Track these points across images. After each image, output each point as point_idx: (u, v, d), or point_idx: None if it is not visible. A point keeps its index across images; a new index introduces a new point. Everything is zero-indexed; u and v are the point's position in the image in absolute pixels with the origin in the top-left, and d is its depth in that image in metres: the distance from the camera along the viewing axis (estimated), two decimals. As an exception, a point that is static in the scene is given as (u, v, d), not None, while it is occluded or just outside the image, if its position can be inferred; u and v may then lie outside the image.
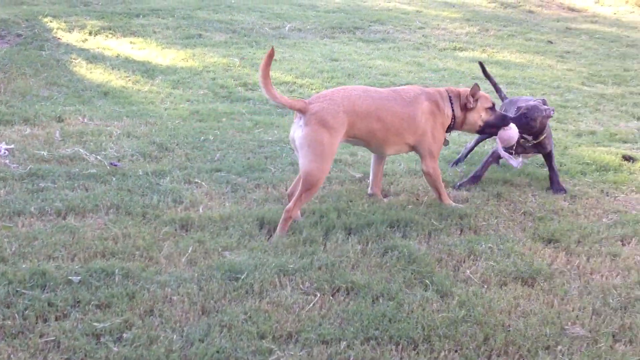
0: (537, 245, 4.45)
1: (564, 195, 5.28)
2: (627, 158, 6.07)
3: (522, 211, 4.96)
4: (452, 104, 4.94)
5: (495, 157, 5.42)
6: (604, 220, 4.89)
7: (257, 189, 5.11)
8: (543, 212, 4.96)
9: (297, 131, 4.53)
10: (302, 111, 4.51)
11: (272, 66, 8.57)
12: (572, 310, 3.72)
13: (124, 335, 3.32)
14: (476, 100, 4.97)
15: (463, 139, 6.31)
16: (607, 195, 5.34)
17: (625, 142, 6.60)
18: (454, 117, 4.95)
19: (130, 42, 9.55)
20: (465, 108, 4.96)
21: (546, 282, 4.00)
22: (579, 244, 4.50)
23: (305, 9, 12.83)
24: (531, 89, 8.32)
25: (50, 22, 10.03)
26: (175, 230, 4.37)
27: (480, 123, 5.01)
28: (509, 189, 5.32)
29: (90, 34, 9.73)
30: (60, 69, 7.99)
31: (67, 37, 9.47)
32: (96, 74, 7.95)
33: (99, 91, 7.33)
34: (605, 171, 5.79)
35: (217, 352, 3.24)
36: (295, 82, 8.04)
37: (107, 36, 9.76)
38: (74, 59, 8.45)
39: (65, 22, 10.09)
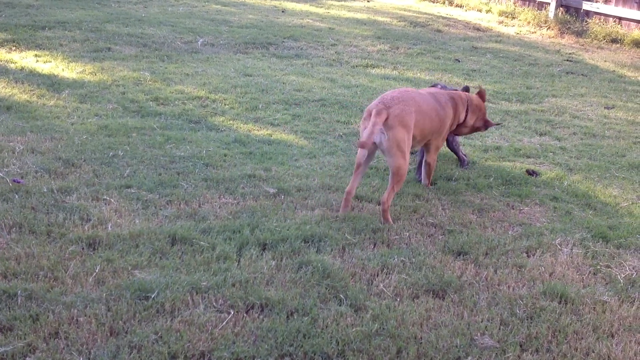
0: (447, 257, 4.54)
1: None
2: (531, 172, 6.32)
3: (432, 224, 5.06)
4: (467, 111, 5.72)
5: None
6: (509, 232, 5.06)
7: (169, 205, 5.01)
8: (453, 225, 5.08)
9: (381, 136, 4.95)
10: (385, 117, 4.98)
11: (185, 81, 8.50)
12: (481, 321, 3.82)
13: (27, 359, 3.18)
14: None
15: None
16: (513, 209, 5.53)
17: (528, 157, 6.87)
18: (459, 121, 5.72)
19: (35, 55, 9.22)
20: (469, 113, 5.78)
21: (456, 293, 4.09)
22: (486, 255, 4.63)
23: (217, 24, 12.76)
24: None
25: (-52, 32, 9.59)
26: (82, 249, 4.22)
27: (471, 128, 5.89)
28: (420, 203, 5.43)
29: (-9, 46, 9.35)
30: (-42, 82, 7.63)
31: (-34, 49, 9.07)
32: (-2, 87, 7.63)
33: (1, 106, 7.02)
34: (510, 185, 6.01)
35: (127, 374, 3.14)
36: (208, 97, 7.95)
37: (10, 49, 9.38)
38: (-27, 71, 8.09)
39: (-36, 32, 9.67)
